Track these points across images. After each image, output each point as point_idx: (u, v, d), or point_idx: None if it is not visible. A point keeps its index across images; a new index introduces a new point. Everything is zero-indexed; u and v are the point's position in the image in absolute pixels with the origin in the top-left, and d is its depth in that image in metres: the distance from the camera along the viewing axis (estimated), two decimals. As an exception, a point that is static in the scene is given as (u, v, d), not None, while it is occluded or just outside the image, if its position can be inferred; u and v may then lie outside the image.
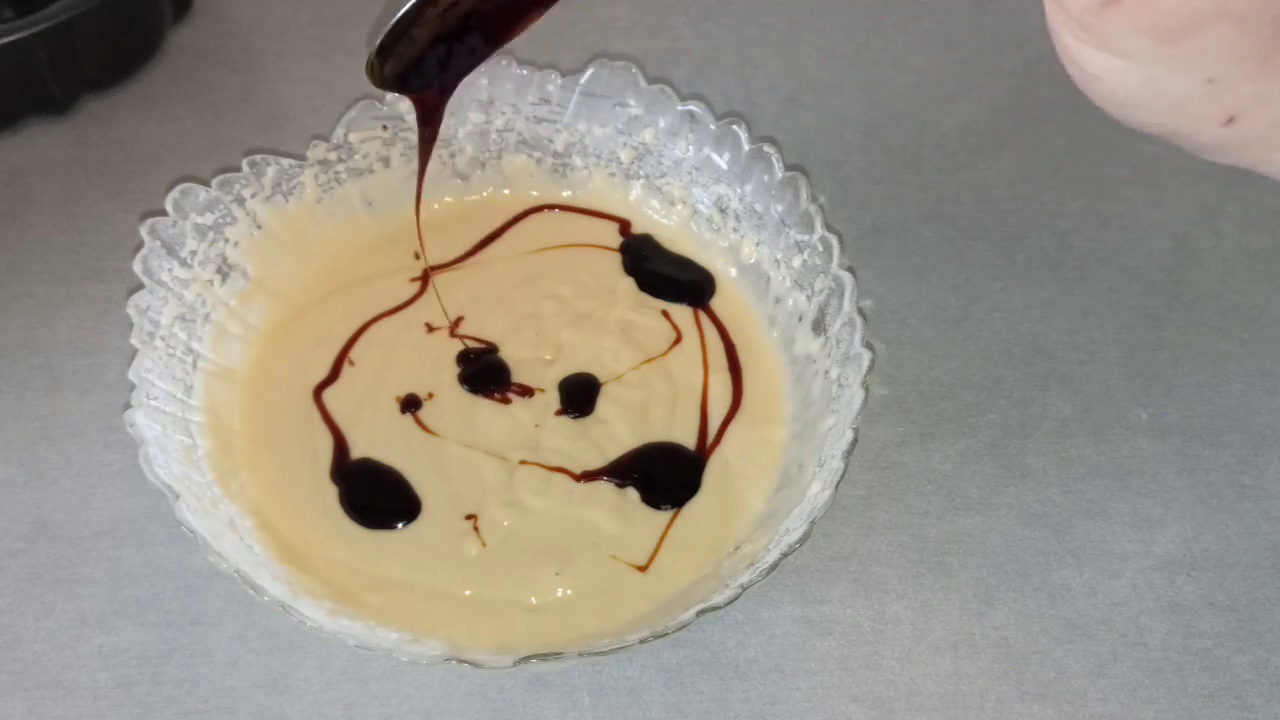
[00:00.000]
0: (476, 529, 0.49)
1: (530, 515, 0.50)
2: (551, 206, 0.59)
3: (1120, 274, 0.60)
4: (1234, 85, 0.35)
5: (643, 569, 0.49)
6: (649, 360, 0.54)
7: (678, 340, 0.55)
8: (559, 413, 0.52)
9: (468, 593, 0.48)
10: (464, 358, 0.54)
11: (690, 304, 0.56)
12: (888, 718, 0.48)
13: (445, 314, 0.54)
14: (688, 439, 0.52)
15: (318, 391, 0.53)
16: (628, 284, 0.56)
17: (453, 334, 0.55)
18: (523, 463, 0.51)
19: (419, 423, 0.52)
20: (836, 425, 0.48)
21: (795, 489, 0.48)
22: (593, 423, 0.52)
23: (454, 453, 0.51)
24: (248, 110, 0.65)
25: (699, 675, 0.49)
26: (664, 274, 0.57)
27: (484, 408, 0.53)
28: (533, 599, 0.48)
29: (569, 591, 0.48)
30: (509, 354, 0.54)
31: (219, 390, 0.51)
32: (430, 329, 0.55)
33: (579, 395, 0.53)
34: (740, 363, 0.54)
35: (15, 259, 0.60)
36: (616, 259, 0.57)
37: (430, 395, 0.53)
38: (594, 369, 0.54)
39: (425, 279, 0.56)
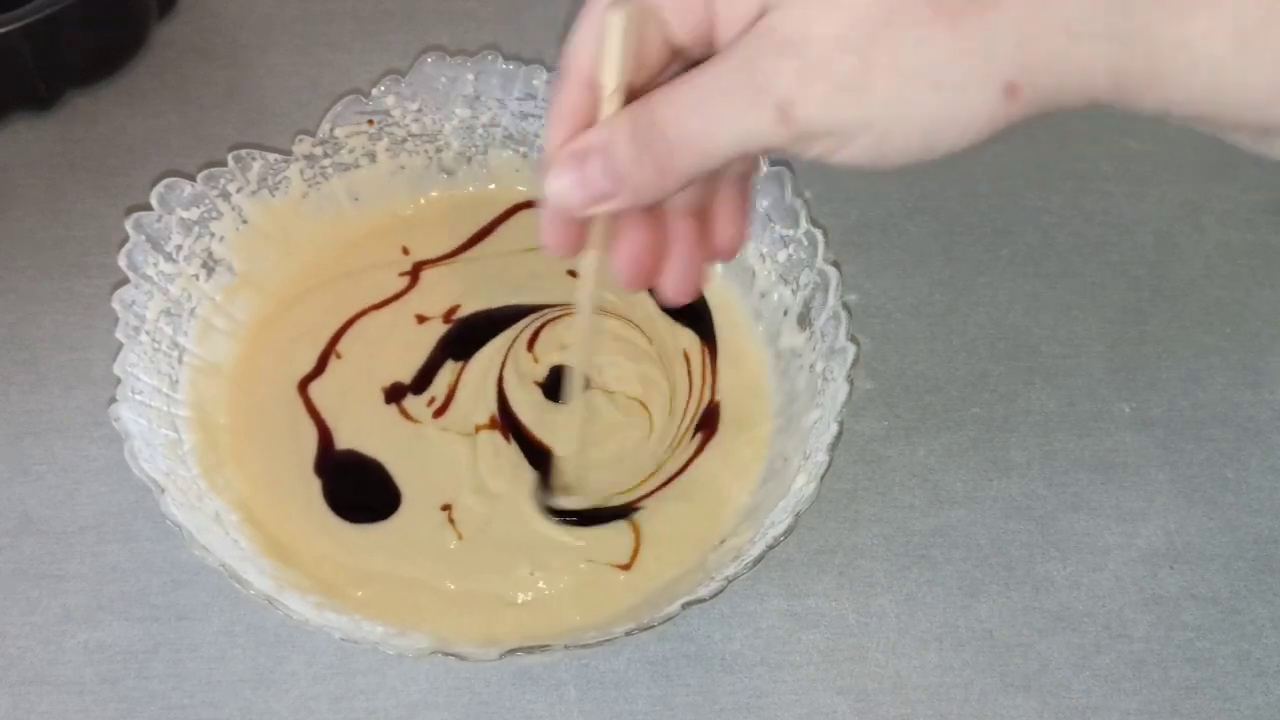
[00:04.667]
0: (452, 520, 0.49)
1: (500, 502, 0.50)
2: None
3: (1103, 269, 0.61)
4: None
5: (625, 567, 0.49)
6: (635, 359, 0.54)
7: (665, 340, 0.55)
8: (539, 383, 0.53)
9: (451, 586, 0.48)
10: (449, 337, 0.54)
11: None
12: (873, 710, 0.48)
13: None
14: (673, 436, 0.52)
15: (303, 385, 0.53)
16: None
17: (447, 321, 0.55)
18: (478, 429, 0.51)
19: (403, 412, 0.52)
20: (821, 419, 0.48)
21: (780, 482, 0.48)
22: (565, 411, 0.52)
23: (432, 439, 0.51)
24: (233, 105, 0.65)
25: (685, 668, 0.49)
26: None
27: (466, 384, 0.53)
28: (516, 593, 0.48)
29: (550, 587, 0.48)
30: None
31: (204, 385, 0.51)
32: (421, 320, 0.55)
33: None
34: (724, 356, 0.54)
35: (0, 254, 0.59)
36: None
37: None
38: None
39: (415, 273, 0.56)
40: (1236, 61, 0.28)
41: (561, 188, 0.35)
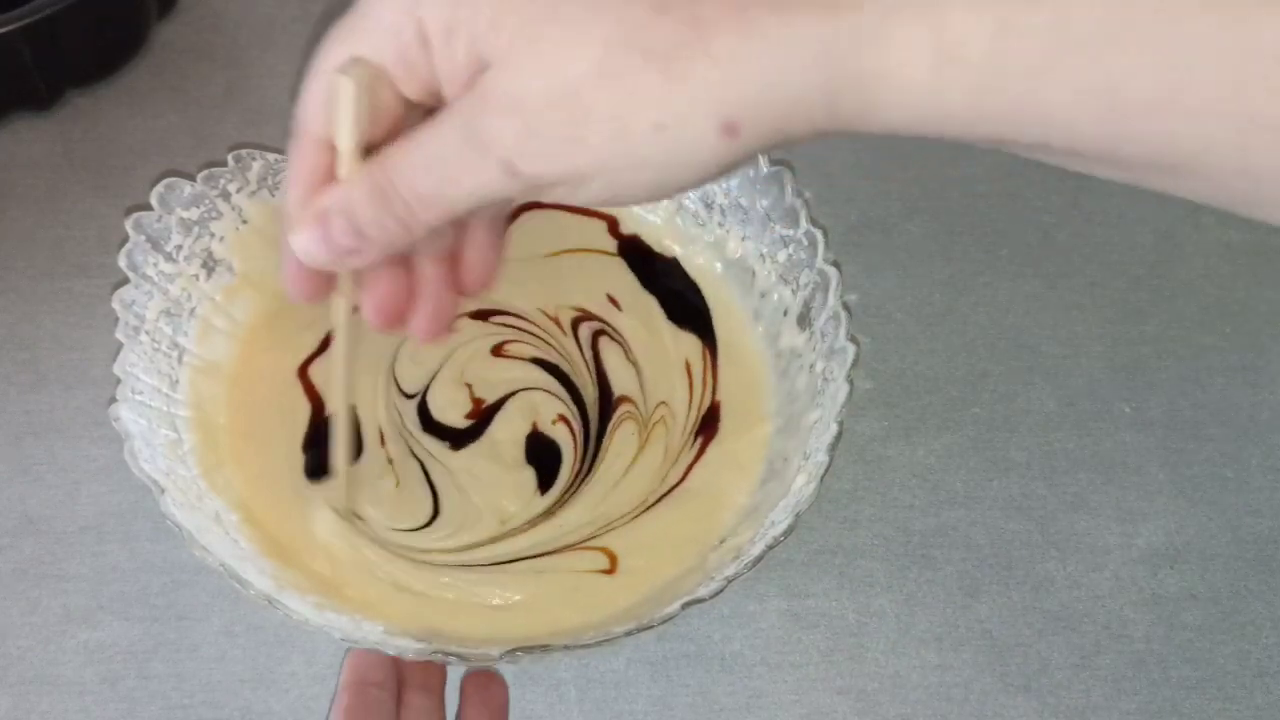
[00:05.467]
0: (383, 441, 0.50)
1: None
2: (540, 205, 0.59)
3: (1103, 269, 0.61)
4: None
5: (608, 572, 0.48)
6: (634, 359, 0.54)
7: (667, 349, 0.55)
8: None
9: (440, 591, 0.48)
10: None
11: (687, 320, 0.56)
12: (872, 710, 0.48)
13: None
14: (676, 446, 0.52)
15: (303, 369, 0.52)
16: (634, 294, 0.57)
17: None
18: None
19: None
20: (821, 419, 0.48)
21: (780, 482, 0.48)
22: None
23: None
24: (233, 105, 0.65)
25: (684, 668, 0.49)
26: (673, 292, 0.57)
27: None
28: (509, 596, 0.48)
29: (545, 589, 0.48)
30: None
31: (204, 385, 0.51)
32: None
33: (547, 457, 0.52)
34: (724, 356, 0.54)
35: (0, 254, 0.59)
36: (619, 264, 0.57)
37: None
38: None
39: None
40: (935, 87, 0.29)
41: (307, 246, 0.35)
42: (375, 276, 0.38)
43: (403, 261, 0.38)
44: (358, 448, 0.50)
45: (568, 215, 0.59)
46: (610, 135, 0.31)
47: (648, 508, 0.50)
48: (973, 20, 0.28)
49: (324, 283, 0.39)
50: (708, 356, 0.54)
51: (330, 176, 0.35)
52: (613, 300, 0.56)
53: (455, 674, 0.46)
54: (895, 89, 0.30)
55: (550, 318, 0.55)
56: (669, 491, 0.51)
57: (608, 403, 0.53)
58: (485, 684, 0.45)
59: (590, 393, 0.53)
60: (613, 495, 0.50)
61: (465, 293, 0.40)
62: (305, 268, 0.37)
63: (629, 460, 0.51)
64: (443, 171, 0.33)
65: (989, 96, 0.29)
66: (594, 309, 0.56)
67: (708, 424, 0.52)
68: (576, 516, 0.50)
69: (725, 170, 0.32)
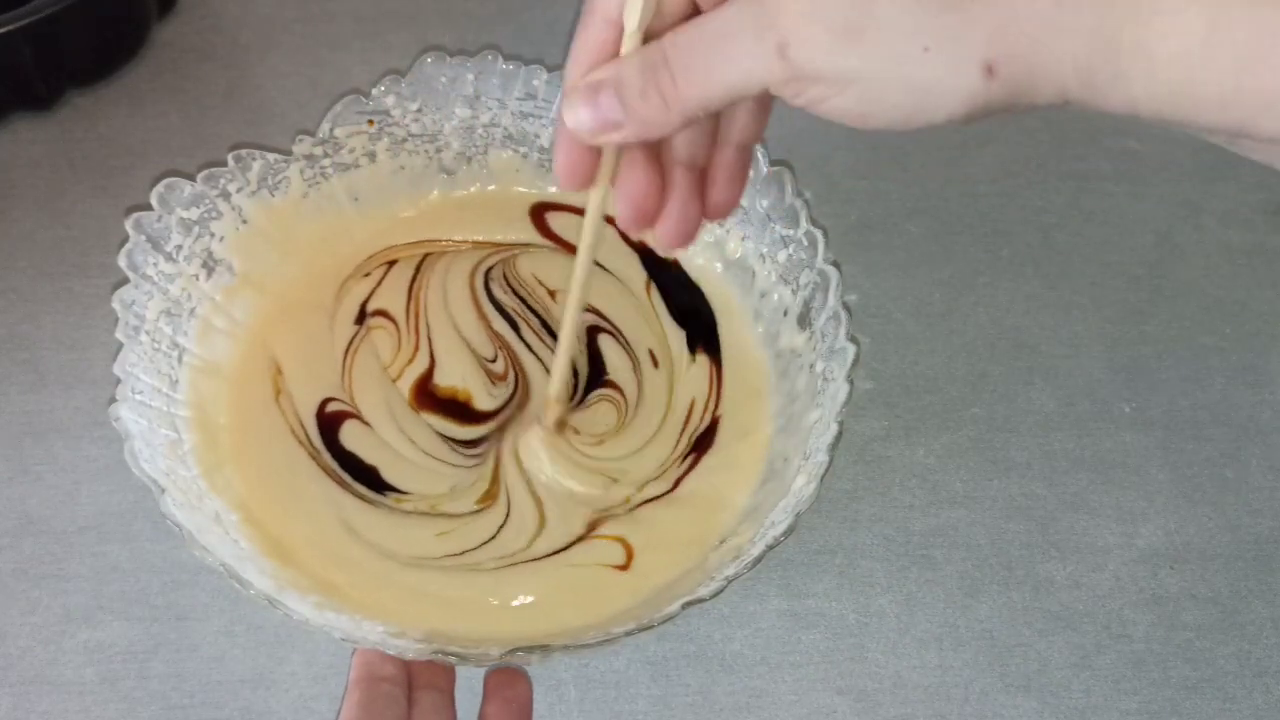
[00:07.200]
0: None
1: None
2: (547, 205, 0.59)
3: (1103, 269, 0.61)
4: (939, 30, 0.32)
5: (623, 568, 0.48)
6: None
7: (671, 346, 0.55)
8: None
9: (445, 593, 0.48)
10: None
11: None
12: (872, 710, 0.48)
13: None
14: (672, 441, 0.52)
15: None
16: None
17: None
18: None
19: None
20: (821, 419, 0.48)
21: (780, 482, 0.48)
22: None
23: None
24: (233, 106, 0.65)
25: (685, 668, 0.49)
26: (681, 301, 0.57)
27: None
28: (513, 597, 0.48)
29: (548, 589, 0.48)
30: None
31: (204, 385, 0.51)
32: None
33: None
34: (725, 356, 0.54)
35: (0, 254, 0.59)
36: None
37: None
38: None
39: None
40: (1188, 67, 0.31)
41: (576, 114, 0.37)
42: (631, 171, 0.40)
43: (657, 166, 0.40)
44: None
45: (570, 214, 0.59)
46: (885, 44, 0.32)
47: (662, 494, 0.51)
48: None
49: (589, 168, 0.40)
50: (714, 371, 0.54)
51: (611, 55, 0.37)
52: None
53: (474, 672, 0.46)
54: (1147, 64, 0.31)
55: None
56: (674, 487, 0.51)
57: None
58: (509, 681, 0.45)
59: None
60: (647, 449, 0.52)
61: (709, 214, 0.42)
62: (573, 149, 0.39)
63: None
64: (717, 47, 0.34)
65: (1254, 71, 0.30)
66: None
67: (704, 439, 0.52)
68: (645, 463, 0.51)
69: (971, 115, 0.33)
